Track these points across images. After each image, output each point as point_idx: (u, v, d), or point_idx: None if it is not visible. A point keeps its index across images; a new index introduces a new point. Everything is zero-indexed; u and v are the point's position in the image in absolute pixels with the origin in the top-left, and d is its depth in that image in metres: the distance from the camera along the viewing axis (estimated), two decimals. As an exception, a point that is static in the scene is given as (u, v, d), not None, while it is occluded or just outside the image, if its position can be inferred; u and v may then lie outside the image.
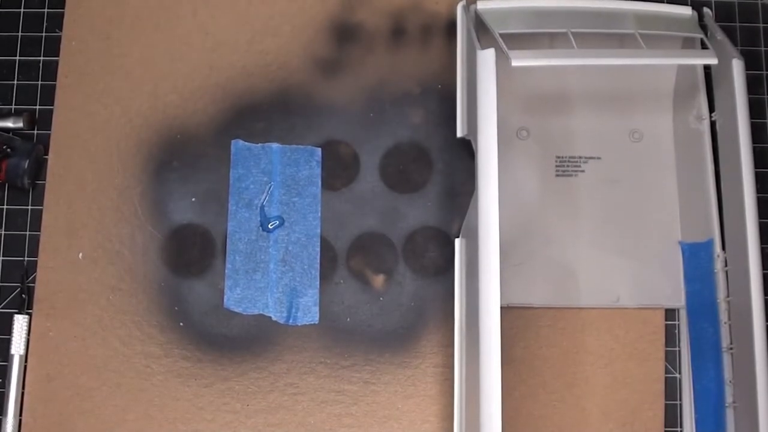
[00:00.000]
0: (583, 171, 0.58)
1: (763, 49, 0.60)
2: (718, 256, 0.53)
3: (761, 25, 0.61)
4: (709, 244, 0.54)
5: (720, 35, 0.52)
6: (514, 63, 0.48)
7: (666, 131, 0.59)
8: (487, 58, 0.47)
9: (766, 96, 0.59)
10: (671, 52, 0.55)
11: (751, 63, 0.58)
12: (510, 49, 0.48)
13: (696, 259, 0.55)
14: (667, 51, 0.55)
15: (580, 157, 0.58)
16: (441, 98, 0.59)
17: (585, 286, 0.56)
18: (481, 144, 0.47)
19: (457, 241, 0.55)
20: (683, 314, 0.56)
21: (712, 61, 0.51)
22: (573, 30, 0.50)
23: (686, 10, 0.55)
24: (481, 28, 0.53)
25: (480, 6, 0.54)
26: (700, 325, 0.54)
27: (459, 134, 0.56)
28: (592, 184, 0.58)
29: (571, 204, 0.57)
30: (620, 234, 0.57)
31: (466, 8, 0.55)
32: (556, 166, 0.58)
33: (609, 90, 0.59)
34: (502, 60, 0.47)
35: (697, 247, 0.55)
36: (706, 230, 0.54)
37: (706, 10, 0.55)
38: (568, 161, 0.58)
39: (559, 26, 0.51)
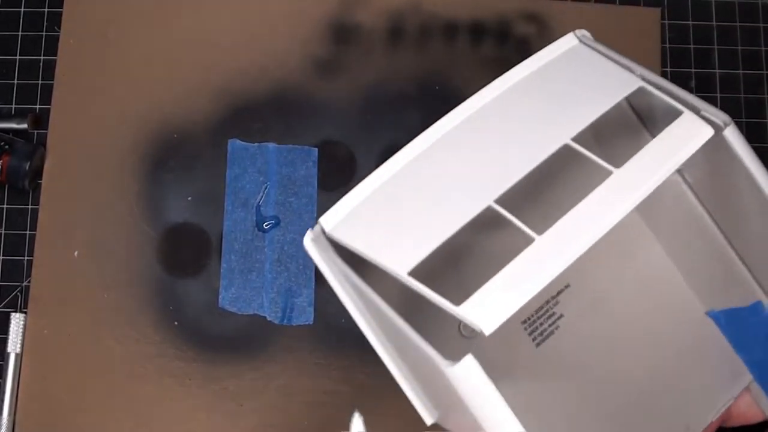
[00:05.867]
0: (560, 317, 0.41)
1: (763, 49, 0.60)
2: None
3: (761, 25, 0.60)
4: (757, 307, 0.38)
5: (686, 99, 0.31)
6: (488, 333, 0.26)
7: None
8: (469, 367, 0.27)
9: (766, 96, 0.59)
10: (659, 153, 0.29)
11: (751, 63, 0.58)
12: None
13: (742, 326, 0.40)
14: (653, 152, 0.29)
15: (547, 302, 0.40)
16: (439, 99, 0.59)
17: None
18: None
19: None
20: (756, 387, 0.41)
21: (707, 134, 0.29)
22: (495, 201, 0.26)
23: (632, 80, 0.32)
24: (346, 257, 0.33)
25: (326, 226, 0.33)
26: None
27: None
28: (578, 320, 0.41)
29: (569, 363, 0.40)
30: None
31: (317, 239, 0.33)
32: (529, 334, 0.41)
33: None
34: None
35: (736, 313, 0.40)
36: (741, 296, 0.39)
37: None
38: (537, 320, 0.41)
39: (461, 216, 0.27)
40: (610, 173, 0.25)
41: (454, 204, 0.26)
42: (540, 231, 0.25)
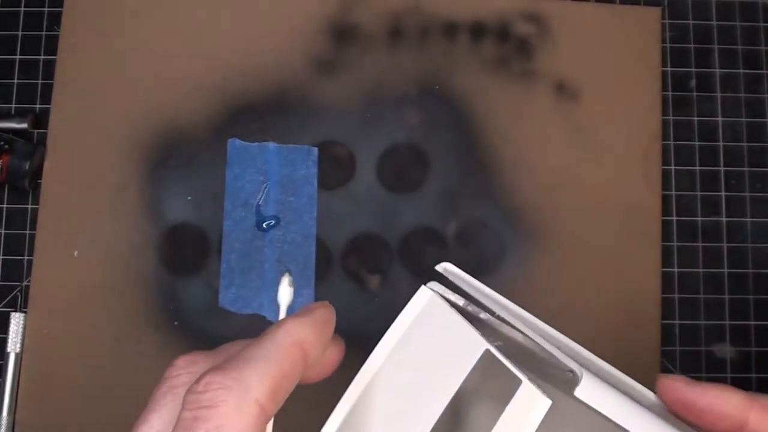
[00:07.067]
0: None
1: (763, 48, 0.60)
2: None
3: (761, 24, 0.60)
4: None
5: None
6: None
7: None
8: None
9: (765, 95, 0.59)
10: None
11: (751, 63, 0.58)
12: None
13: None
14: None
15: None
16: (438, 99, 0.59)
17: None
18: None
19: None
20: None
21: (543, 408, 0.26)
22: None
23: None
24: None
25: None
26: None
27: None
28: None
29: None
30: None
31: None
32: None
33: None
34: None
35: None
36: None
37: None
38: None
39: None
40: None
41: None
42: None
